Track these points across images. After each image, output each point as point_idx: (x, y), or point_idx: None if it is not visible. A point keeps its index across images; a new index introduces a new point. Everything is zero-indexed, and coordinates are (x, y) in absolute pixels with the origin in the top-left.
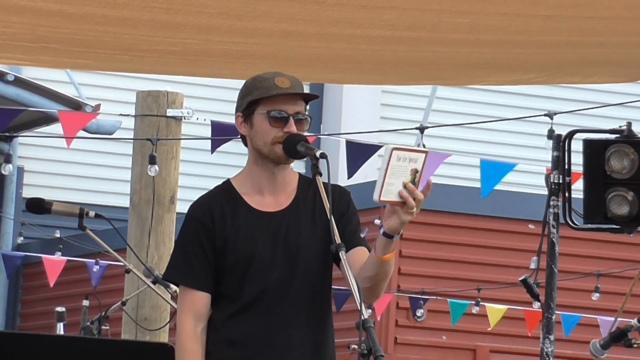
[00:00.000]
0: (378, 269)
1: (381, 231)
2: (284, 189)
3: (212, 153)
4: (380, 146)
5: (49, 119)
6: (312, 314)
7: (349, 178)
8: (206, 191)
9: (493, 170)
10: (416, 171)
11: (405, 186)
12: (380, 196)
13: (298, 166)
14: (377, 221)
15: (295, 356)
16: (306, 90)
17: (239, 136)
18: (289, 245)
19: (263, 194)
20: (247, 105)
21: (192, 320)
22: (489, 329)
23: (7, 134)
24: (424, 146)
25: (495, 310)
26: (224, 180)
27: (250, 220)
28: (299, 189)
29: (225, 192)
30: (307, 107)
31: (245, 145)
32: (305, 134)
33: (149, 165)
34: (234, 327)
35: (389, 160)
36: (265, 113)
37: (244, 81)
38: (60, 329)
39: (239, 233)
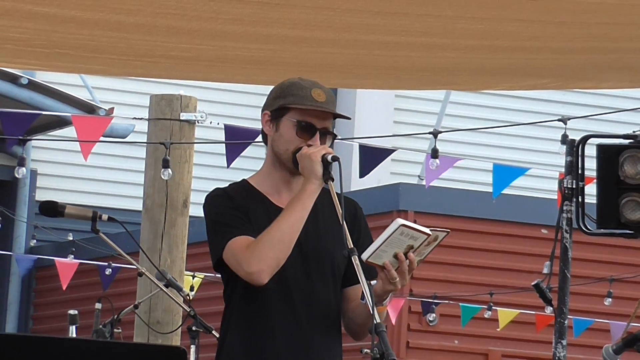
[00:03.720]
0: (367, 316)
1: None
2: None
3: (228, 166)
4: (393, 150)
5: (62, 123)
6: (327, 316)
7: (361, 177)
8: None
9: (506, 174)
10: (411, 247)
11: (395, 255)
12: (369, 257)
13: None
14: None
15: (312, 352)
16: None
17: (261, 137)
18: (308, 247)
19: (282, 196)
20: (278, 108)
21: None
22: (499, 330)
23: (20, 137)
24: (436, 151)
25: (508, 315)
26: (240, 179)
27: (273, 217)
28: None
29: (246, 189)
30: (334, 123)
31: (266, 143)
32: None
33: (162, 169)
34: (250, 326)
35: (392, 233)
36: (295, 122)
37: (258, 86)
38: (72, 332)
39: (261, 228)
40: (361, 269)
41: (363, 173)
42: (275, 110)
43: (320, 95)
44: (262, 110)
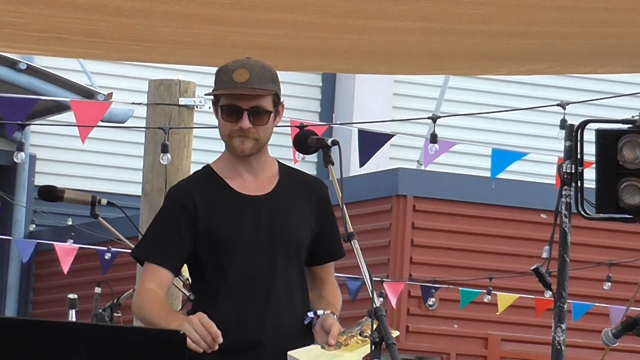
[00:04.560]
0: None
1: (313, 322)
2: (264, 172)
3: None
4: (392, 135)
5: (61, 108)
6: (294, 299)
7: (361, 166)
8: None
9: (504, 159)
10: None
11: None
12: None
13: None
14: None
15: (282, 338)
16: (317, 78)
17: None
18: (273, 231)
19: (244, 178)
20: (213, 96)
21: (153, 284)
22: (498, 314)
23: (19, 122)
24: (435, 136)
25: (507, 299)
26: (204, 165)
27: (235, 204)
28: (280, 175)
29: (207, 176)
30: (278, 97)
31: None
32: (318, 123)
33: (161, 154)
34: (217, 312)
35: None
36: (220, 106)
37: None
38: (72, 316)
39: (223, 216)
40: (360, 252)
41: (362, 161)
42: (213, 100)
43: (242, 75)
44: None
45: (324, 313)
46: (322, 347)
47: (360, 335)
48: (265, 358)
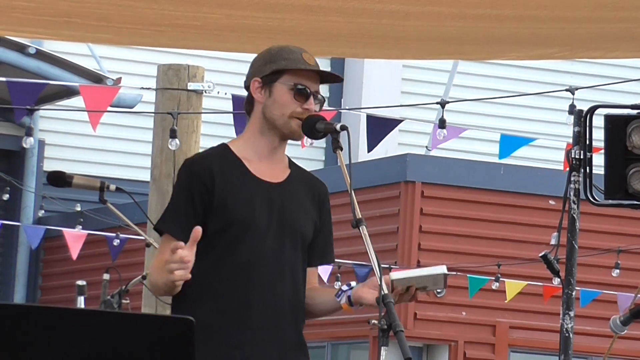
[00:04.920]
0: (333, 310)
1: (348, 293)
2: (280, 162)
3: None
4: (401, 120)
5: (70, 92)
6: (297, 287)
7: (369, 152)
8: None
9: (512, 144)
10: (425, 287)
11: (408, 288)
12: (395, 279)
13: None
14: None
15: (283, 323)
16: (326, 63)
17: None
18: (283, 218)
19: (261, 162)
20: (270, 73)
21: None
22: (507, 301)
23: (28, 107)
24: (443, 121)
25: (515, 286)
26: (220, 143)
27: (250, 185)
28: (291, 168)
29: (224, 153)
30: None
31: (249, 112)
32: (327, 108)
33: (170, 139)
34: (222, 292)
35: (431, 274)
36: (290, 85)
37: None
38: (80, 303)
39: (238, 196)
40: (369, 238)
41: (371, 146)
42: (267, 75)
43: (310, 58)
44: (251, 78)
45: (355, 283)
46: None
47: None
48: (265, 339)
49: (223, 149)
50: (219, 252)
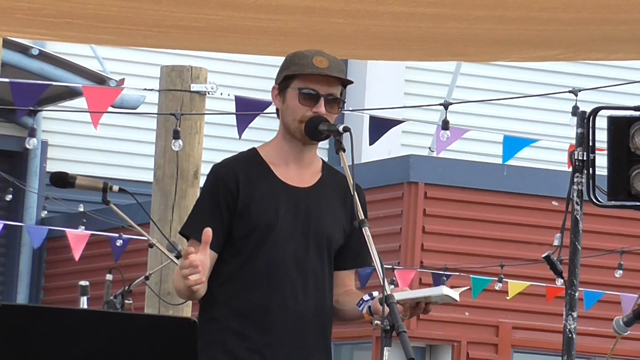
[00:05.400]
0: (358, 318)
1: (369, 303)
2: (310, 167)
3: (239, 137)
4: (403, 121)
5: (73, 93)
6: (321, 291)
7: (370, 144)
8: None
9: (516, 145)
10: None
11: (417, 303)
12: (400, 300)
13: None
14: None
15: (305, 328)
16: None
17: (274, 110)
18: (308, 223)
19: (289, 167)
20: (283, 80)
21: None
22: (508, 299)
23: (31, 108)
24: (447, 122)
25: (518, 287)
26: (250, 148)
27: (275, 190)
28: (323, 172)
29: (251, 158)
30: (344, 90)
31: (279, 117)
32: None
33: (173, 140)
34: (244, 297)
35: (431, 295)
36: (297, 90)
37: (268, 57)
38: (83, 303)
39: (263, 200)
40: (372, 239)
41: (373, 140)
42: (281, 82)
43: (322, 62)
44: (273, 85)
45: (378, 293)
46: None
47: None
48: (284, 344)
49: (252, 153)
50: (244, 257)
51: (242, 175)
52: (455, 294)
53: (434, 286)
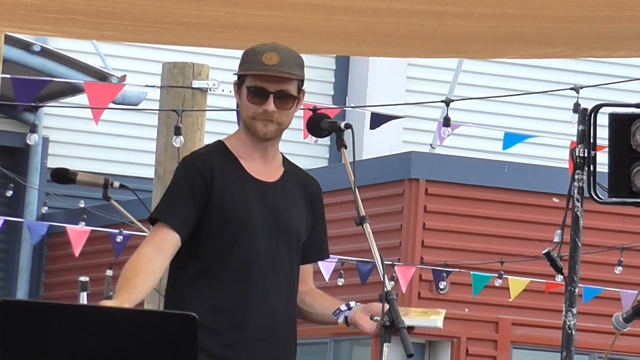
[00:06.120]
0: (330, 323)
1: (346, 314)
2: (273, 161)
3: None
4: (404, 117)
5: (74, 90)
6: (292, 286)
7: (371, 129)
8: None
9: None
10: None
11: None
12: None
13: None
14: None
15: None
16: (331, 61)
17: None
18: (278, 218)
19: (255, 162)
20: (238, 76)
21: (152, 248)
22: (510, 300)
23: (32, 104)
24: (448, 119)
25: (518, 283)
26: (216, 140)
27: (246, 185)
28: (285, 167)
29: (221, 151)
30: (302, 84)
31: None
32: (331, 106)
33: (174, 137)
34: (218, 293)
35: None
36: (246, 86)
37: None
38: (83, 299)
39: (235, 194)
40: (372, 236)
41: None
42: (238, 78)
43: (272, 58)
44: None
45: (355, 304)
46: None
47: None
48: (257, 340)
49: (221, 146)
50: (216, 252)
51: (216, 168)
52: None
53: (434, 281)
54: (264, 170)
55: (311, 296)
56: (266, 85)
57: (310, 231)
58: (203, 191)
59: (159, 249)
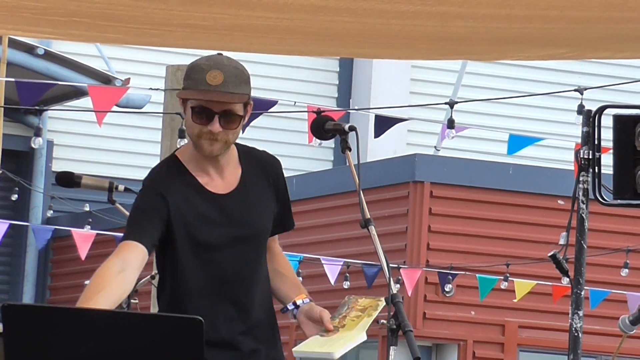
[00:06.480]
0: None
1: (295, 312)
2: (228, 166)
3: (243, 132)
4: (409, 119)
5: (78, 93)
6: (265, 288)
7: (375, 137)
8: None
9: (521, 144)
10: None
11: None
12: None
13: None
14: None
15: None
16: (335, 63)
17: (277, 109)
18: (242, 227)
19: (210, 175)
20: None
21: (117, 261)
22: (515, 301)
23: (37, 107)
24: (452, 121)
25: (524, 286)
26: (171, 154)
27: (204, 201)
28: (241, 162)
29: (176, 167)
30: (249, 99)
31: None
32: (335, 108)
33: (179, 139)
34: (188, 310)
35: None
36: (190, 106)
37: (273, 56)
38: None
39: (192, 213)
40: (377, 238)
41: (377, 134)
42: (182, 95)
43: (216, 77)
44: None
45: (302, 302)
46: (321, 336)
47: (349, 314)
48: (241, 353)
49: (175, 162)
50: (181, 272)
51: (172, 187)
52: (353, 339)
53: (439, 284)
54: (221, 182)
55: (272, 269)
56: (211, 105)
57: (276, 209)
58: (163, 209)
59: (124, 261)
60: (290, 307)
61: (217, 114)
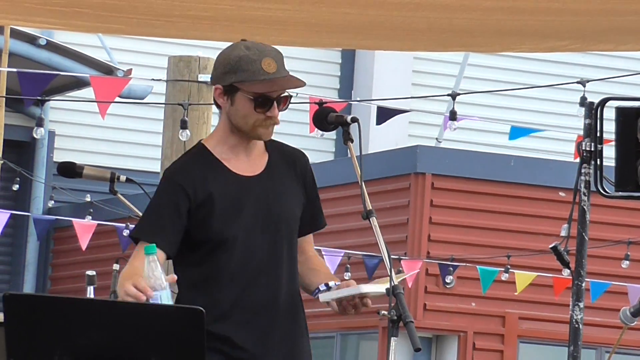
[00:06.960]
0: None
1: (319, 296)
2: (257, 152)
3: None
4: (410, 111)
5: (80, 84)
6: (292, 274)
7: (377, 124)
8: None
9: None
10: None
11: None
12: (325, 300)
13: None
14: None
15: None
16: (336, 55)
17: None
18: (270, 211)
19: (239, 158)
20: (231, 84)
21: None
22: (516, 294)
23: (38, 97)
24: (454, 113)
25: (525, 278)
26: (198, 143)
27: (232, 185)
28: (267, 150)
29: (202, 155)
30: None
31: (219, 107)
32: (337, 100)
33: (180, 130)
34: (216, 296)
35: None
36: (251, 97)
37: (276, 47)
38: (90, 293)
39: (220, 199)
40: (379, 230)
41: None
42: (227, 85)
43: (270, 64)
44: (212, 83)
45: (335, 284)
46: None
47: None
48: (271, 337)
49: (201, 150)
50: (208, 259)
51: (198, 179)
52: (378, 287)
53: (440, 275)
54: (248, 165)
55: (306, 268)
56: (270, 92)
57: (304, 205)
58: (187, 205)
59: None
60: (322, 287)
61: (275, 100)
